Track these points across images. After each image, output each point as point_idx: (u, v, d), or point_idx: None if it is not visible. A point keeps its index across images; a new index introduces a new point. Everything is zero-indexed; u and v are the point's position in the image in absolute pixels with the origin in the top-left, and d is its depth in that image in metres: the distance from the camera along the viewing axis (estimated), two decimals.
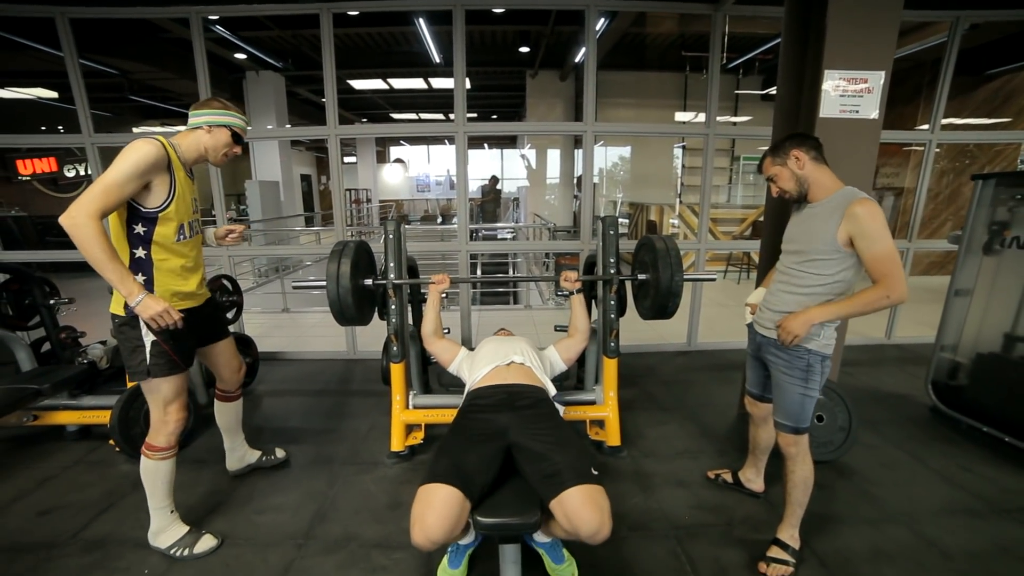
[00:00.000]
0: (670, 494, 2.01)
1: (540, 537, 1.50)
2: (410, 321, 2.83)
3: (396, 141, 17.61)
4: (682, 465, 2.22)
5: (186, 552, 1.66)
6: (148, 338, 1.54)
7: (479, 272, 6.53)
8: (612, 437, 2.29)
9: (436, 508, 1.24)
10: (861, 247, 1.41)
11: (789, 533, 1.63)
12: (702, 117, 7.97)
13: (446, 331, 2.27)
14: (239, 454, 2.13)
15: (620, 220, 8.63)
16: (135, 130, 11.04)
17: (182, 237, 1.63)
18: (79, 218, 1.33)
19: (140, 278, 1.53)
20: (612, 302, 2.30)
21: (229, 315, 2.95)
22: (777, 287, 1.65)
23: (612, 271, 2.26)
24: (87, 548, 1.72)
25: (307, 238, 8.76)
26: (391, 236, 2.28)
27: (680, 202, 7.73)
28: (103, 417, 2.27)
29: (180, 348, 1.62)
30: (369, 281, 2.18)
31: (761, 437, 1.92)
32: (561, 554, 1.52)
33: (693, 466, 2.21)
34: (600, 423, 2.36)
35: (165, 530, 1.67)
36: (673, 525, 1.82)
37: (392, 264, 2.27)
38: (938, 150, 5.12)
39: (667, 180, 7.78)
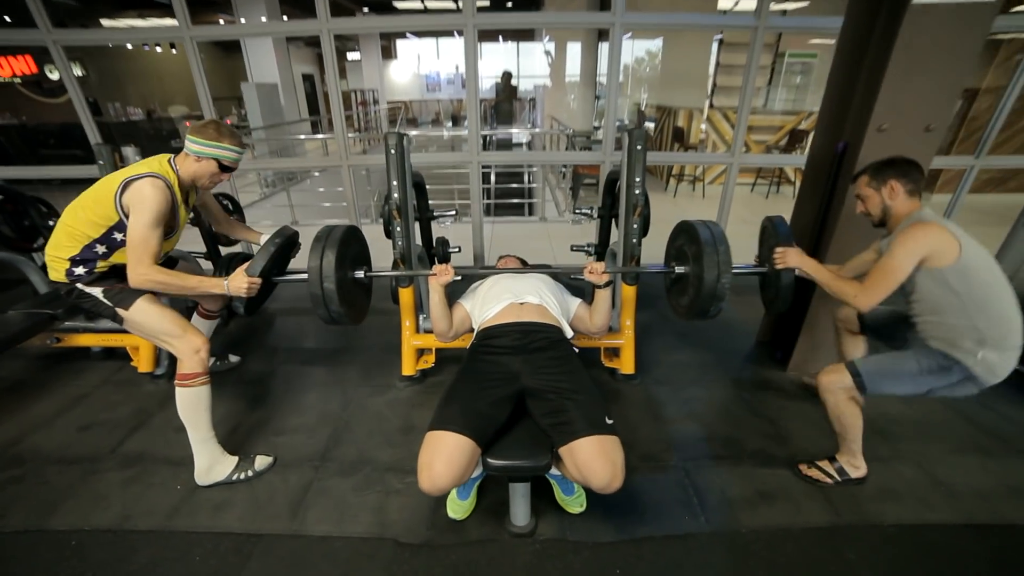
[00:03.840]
0: (681, 425, 2.01)
1: (551, 469, 1.52)
2: (418, 241, 2.71)
3: (403, 34, 15.99)
4: (695, 394, 2.21)
5: (249, 474, 1.73)
6: (94, 289, 1.64)
7: (492, 183, 6.22)
8: (626, 366, 2.26)
9: (445, 456, 1.23)
10: (883, 254, 1.51)
11: (847, 459, 1.67)
12: (746, 4, 6.92)
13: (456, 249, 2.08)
14: None
15: (646, 125, 8.02)
16: (105, 23, 9.92)
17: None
18: (144, 275, 1.54)
19: (81, 270, 1.61)
20: (635, 226, 2.12)
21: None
22: None
23: (637, 192, 2.05)
24: (125, 463, 1.82)
25: (312, 145, 8.34)
26: (392, 152, 2.06)
27: (711, 105, 7.03)
28: (121, 340, 2.30)
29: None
30: (361, 273, 1.91)
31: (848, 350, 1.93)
32: (571, 485, 1.54)
33: (705, 396, 2.20)
34: (615, 351, 2.32)
35: (215, 464, 1.70)
36: (682, 456, 1.83)
37: (395, 183, 2.09)
38: None
39: (700, 80, 6.97)
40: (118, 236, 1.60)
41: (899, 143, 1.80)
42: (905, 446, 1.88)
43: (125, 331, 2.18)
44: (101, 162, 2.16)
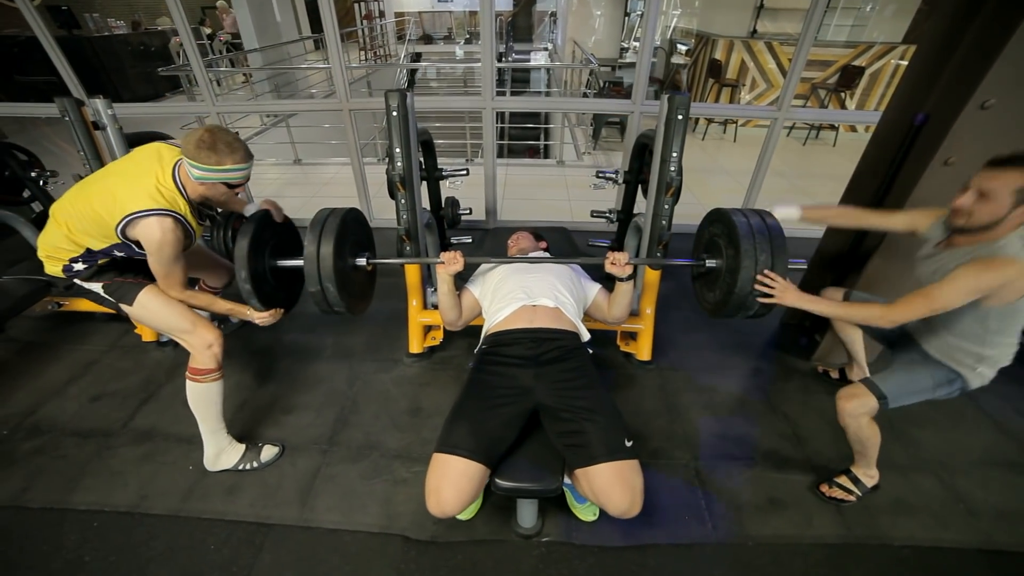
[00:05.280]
0: (695, 418, 1.96)
1: (565, 477, 1.48)
2: (425, 204, 2.53)
3: None
4: (712, 383, 2.13)
5: (255, 464, 1.72)
6: (93, 284, 1.58)
7: (507, 124, 5.77)
8: (643, 352, 2.17)
9: (453, 482, 1.18)
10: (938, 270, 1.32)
11: (863, 470, 1.61)
12: None
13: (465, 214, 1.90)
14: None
15: (679, 47, 7.17)
16: None
17: None
18: (181, 297, 1.55)
19: (80, 266, 1.53)
20: (666, 206, 1.90)
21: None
22: None
23: (672, 169, 1.82)
24: (137, 439, 1.85)
25: (316, 77, 7.63)
26: (395, 113, 1.83)
27: (754, 32, 6.26)
28: None
29: (139, 276, 1.60)
30: (363, 261, 1.74)
31: (849, 334, 1.89)
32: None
33: (723, 385, 2.12)
34: (632, 334, 2.22)
35: (222, 453, 1.70)
36: (694, 455, 1.80)
37: (399, 150, 1.88)
38: None
39: (746, 2, 6.12)
40: (119, 254, 1.53)
41: (1007, 128, 1.50)
42: (926, 454, 1.82)
43: None
44: (67, 118, 1.91)
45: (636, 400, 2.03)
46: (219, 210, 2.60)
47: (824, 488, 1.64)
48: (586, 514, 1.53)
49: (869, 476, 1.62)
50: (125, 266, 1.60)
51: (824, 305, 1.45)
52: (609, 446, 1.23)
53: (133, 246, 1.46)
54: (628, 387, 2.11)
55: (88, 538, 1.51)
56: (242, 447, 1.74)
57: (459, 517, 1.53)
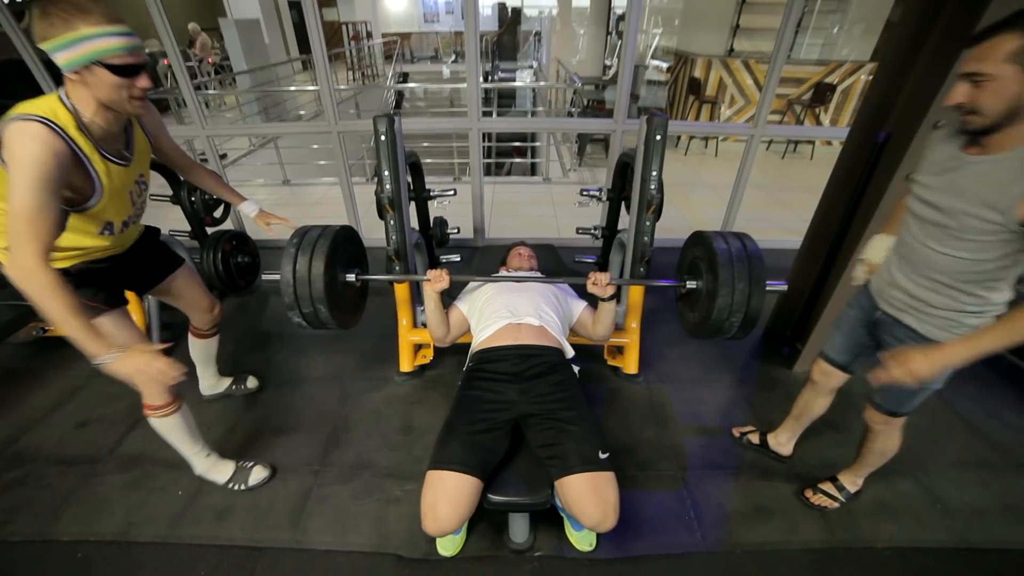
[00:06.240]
0: (682, 429, 2.00)
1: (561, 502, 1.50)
2: (414, 225, 2.57)
3: None
4: (698, 395, 2.18)
5: (242, 487, 1.70)
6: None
7: (494, 143, 5.88)
8: (629, 366, 2.22)
9: (448, 498, 1.20)
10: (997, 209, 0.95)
11: (851, 479, 1.64)
12: None
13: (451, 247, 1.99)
14: (210, 383, 2.10)
15: (658, 65, 7.40)
16: None
17: (107, 232, 1.28)
18: (21, 269, 1.01)
19: None
20: (648, 223, 1.98)
21: (216, 213, 2.70)
22: (905, 265, 1.21)
23: (653, 187, 1.89)
24: (124, 465, 1.82)
25: (305, 97, 7.72)
26: (383, 138, 1.88)
27: (731, 51, 6.49)
28: None
29: (97, 296, 1.32)
30: (352, 276, 1.78)
31: (817, 407, 1.68)
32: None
33: (709, 397, 2.17)
34: (619, 348, 2.27)
35: (210, 469, 1.69)
36: (681, 466, 1.83)
37: (387, 173, 1.93)
38: None
39: (722, 21, 6.37)
40: None
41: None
42: (906, 457, 1.86)
43: None
44: None
45: (624, 413, 2.07)
46: (207, 196, 2.55)
47: (808, 494, 1.68)
48: (582, 543, 1.51)
49: (855, 483, 1.66)
50: (80, 277, 1.28)
51: (988, 340, 1.00)
52: (583, 456, 1.26)
53: None
54: (615, 400, 2.14)
55: (72, 571, 1.48)
56: (231, 466, 1.72)
57: (443, 553, 1.51)
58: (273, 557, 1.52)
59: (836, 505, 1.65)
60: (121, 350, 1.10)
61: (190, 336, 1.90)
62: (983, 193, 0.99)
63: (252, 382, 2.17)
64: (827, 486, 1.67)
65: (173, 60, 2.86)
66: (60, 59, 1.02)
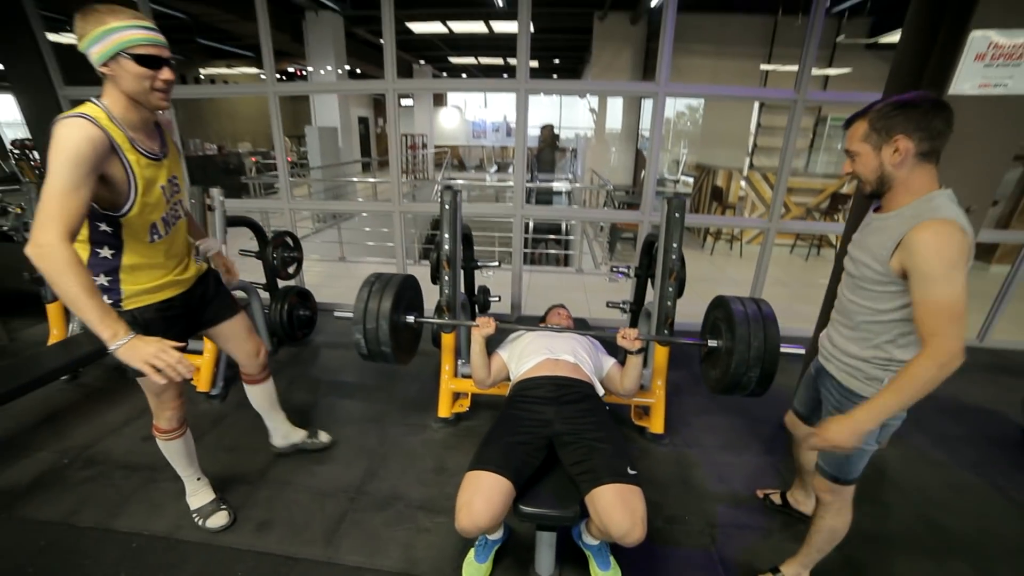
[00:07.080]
0: (710, 488, 2.00)
1: (588, 539, 1.54)
2: (462, 290, 2.88)
3: None
4: (725, 459, 2.19)
5: (201, 522, 1.72)
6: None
7: (531, 231, 6.44)
8: (656, 425, 2.28)
9: (484, 494, 1.29)
10: (912, 286, 1.05)
11: (795, 571, 1.53)
12: (789, 67, 7.15)
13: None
14: (282, 432, 2.07)
15: (683, 178, 8.16)
16: (202, 72, 11.58)
17: (156, 237, 1.34)
18: (41, 247, 1.05)
19: (103, 279, 1.30)
20: (671, 289, 2.20)
21: (290, 269, 3.10)
22: (836, 316, 1.35)
23: (674, 257, 2.14)
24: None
25: (362, 184, 8.91)
26: (447, 207, 2.26)
27: (751, 166, 7.13)
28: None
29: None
30: (411, 318, 1.97)
31: (806, 458, 1.73)
32: (608, 560, 1.53)
33: (736, 461, 2.18)
34: (645, 409, 2.35)
35: (194, 494, 1.78)
36: (709, 523, 1.82)
37: (447, 236, 2.27)
38: None
39: (741, 140, 7.13)
40: (100, 225, 1.24)
41: None
42: (958, 540, 1.80)
43: (191, 350, 2.44)
44: (193, 201, 2.42)
45: (651, 471, 2.10)
46: (287, 254, 2.93)
47: None
48: None
49: (799, 575, 1.53)
50: (151, 331, 1.32)
51: (887, 401, 1.09)
52: (612, 469, 1.34)
53: (94, 205, 1.18)
54: (643, 459, 2.18)
55: (126, 556, 1.60)
56: (208, 498, 1.77)
57: None
58: (306, 568, 1.58)
59: None
60: (132, 336, 1.11)
61: (245, 386, 1.93)
62: (872, 246, 1.16)
63: (324, 436, 2.17)
64: None
65: (279, 156, 3.57)
66: (93, 54, 1.13)
